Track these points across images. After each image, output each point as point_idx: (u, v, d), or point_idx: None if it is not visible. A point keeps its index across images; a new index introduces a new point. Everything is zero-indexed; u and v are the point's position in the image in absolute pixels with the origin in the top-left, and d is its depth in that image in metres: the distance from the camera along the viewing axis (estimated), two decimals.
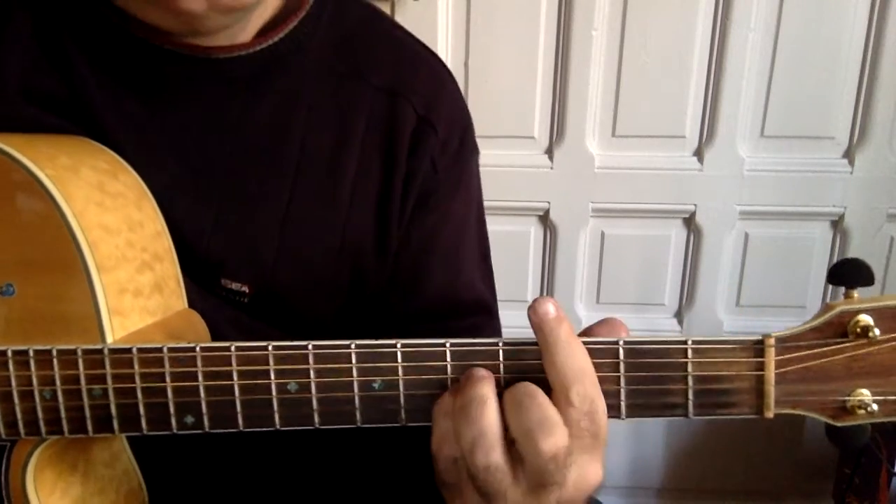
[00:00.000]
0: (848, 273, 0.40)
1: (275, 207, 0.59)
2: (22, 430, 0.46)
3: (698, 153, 1.53)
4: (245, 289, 0.58)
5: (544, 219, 1.58)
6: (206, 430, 0.44)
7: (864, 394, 0.40)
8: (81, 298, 0.46)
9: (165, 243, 0.54)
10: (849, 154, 1.52)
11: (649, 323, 1.64)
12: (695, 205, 1.55)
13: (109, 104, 0.56)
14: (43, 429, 0.46)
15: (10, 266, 0.47)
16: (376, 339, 0.46)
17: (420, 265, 0.65)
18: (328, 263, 0.61)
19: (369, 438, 0.59)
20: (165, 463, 0.55)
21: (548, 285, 1.63)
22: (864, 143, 1.50)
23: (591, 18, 1.44)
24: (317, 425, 0.44)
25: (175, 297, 0.54)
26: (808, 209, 1.55)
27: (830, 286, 1.61)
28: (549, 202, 1.56)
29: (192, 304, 0.55)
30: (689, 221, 1.57)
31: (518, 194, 1.54)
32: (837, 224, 1.57)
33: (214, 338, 0.56)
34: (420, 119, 0.62)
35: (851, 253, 1.57)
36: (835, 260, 1.59)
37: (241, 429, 0.44)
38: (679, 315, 1.65)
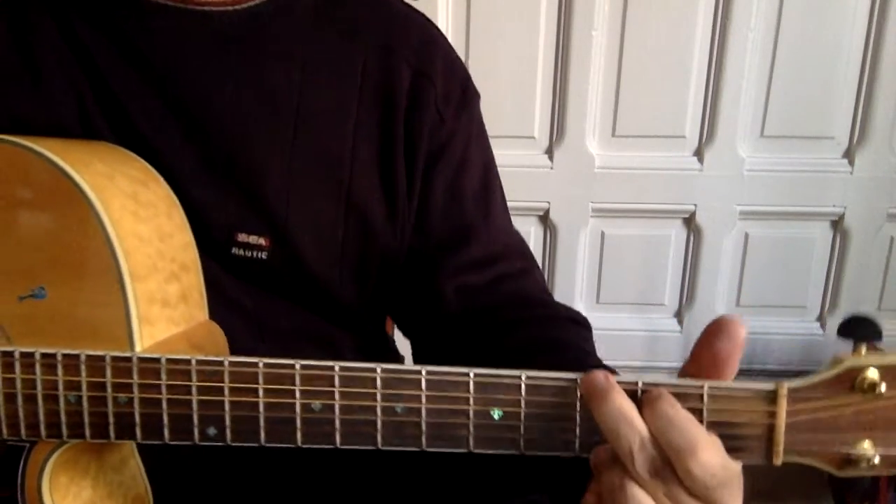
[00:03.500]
0: (856, 329, 0.42)
1: (279, 165, 0.60)
2: (43, 432, 0.46)
3: (698, 153, 1.53)
4: (262, 241, 0.59)
5: (544, 219, 1.58)
6: (228, 442, 0.45)
7: (867, 447, 0.41)
8: (112, 305, 0.47)
9: (192, 255, 0.55)
10: (849, 154, 1.53)
11: (649, 323, 1.64)
12: (695, 205, 1.55)
13: (116, 71, 0.58)
14: (65, 432, 0.46)
15: (44, 270, 0.48)
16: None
17: (453, 215, 0.65)
18: (336, 219, 0.62)
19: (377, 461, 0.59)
20: (170, 470, 0.55)
21: (548, 285, 1.63)
22: (864, 143, 1.50)
23: (591, 18, 1.44)
24: (337, 445, 0.44)
25: (198, 308, 0.55)
26: (808, 209, 1.55)
27: (830, 285, 1.61)
28: (549, 202, 1.56)
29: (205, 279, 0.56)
30: (689, 221, 1.58)
31: (518, 194, 1.53)
32: (837, 224, 1.57)
33: (225, 325, 0.57)
34: (416, 73, 0.63)
35: (851, 253, 1.57)
36: (835, 260, 1.60)
37: (262, 443, 0.45)
38: (679, 315, 1.65)
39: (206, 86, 0.59)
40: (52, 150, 0.48)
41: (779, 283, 1.61)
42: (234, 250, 0.59)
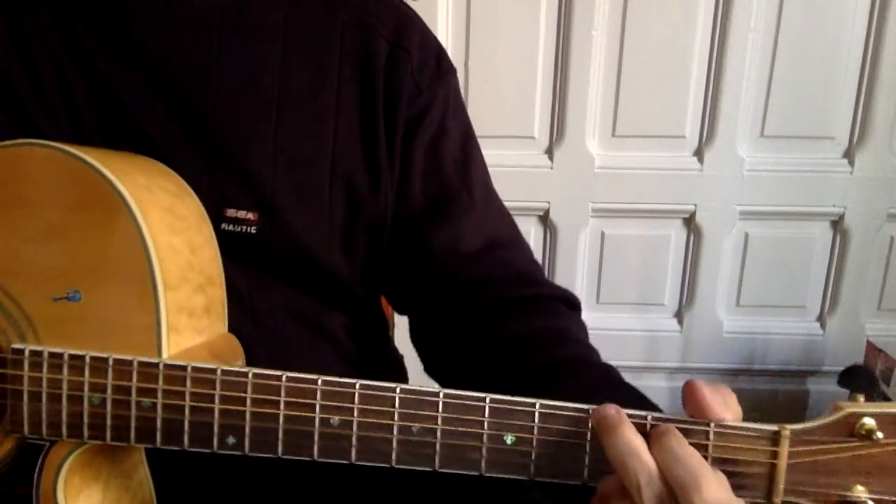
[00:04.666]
0: (853, 379, 0.43)
1: (263, 141, 0.61)
2: (64, 432, 0.47)
3: (698, 153, 1.53)
4: (251, 216, 0.61)
5: (544, 219, 1.59)
6: (245, 452, 0.46)
7: (861, 491, 0.43)
8: (144, 312, 0.48)
9: (217, 268, 0.57)
10: (849, 154, 1.53)
11: (649, 323, 1.64)
12: (695, 205, 1.55)
13: (104, 54, 0.59)
14: (86, 433, 0.47)
15: (80, 273, 0.49)
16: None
17: (434, 183, 0.66)
18: (322, 190, 0.63)
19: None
20: (174, 478, 0.55)
21: None
22: (864, 143, 1.50)
23: (591, 18, 1.45)
24: (352, 460, 0.45)
25: (219, 320, 0.56)
26: (808, 209, 1.55)
27: (830, 285, 1.61)
28: (549, 202, 1.56)
29: None
30: (689, 221, 1.58)
31: (518, 194, 1.54)
32: (837, 224, 1.57)
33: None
34: (392, 46, 0.65)
35: (851, 252, 1.57)
36: (835, 260, 1.60)
37: (279, 455, 0.45)
38: (679, 315, 1.65)
39: (192, 66, 0.60)
40: (95, 158, 0.50)
41: (779, 283, 1.61)
42: (224, 226, 0.60)
